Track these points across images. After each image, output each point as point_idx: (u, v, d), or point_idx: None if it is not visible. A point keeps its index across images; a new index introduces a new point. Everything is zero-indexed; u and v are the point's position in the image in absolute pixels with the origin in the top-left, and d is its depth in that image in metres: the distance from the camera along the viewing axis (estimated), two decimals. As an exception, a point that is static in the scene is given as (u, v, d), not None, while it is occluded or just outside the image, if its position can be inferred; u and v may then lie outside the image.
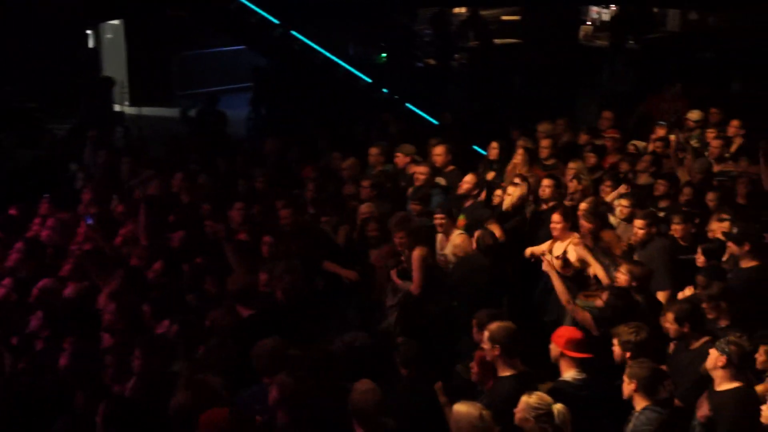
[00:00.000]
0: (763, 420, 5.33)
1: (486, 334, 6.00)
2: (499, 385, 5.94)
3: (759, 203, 9.31)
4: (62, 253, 9.09)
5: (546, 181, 9.28)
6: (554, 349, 6.04)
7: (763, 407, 5.34)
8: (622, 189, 9.32)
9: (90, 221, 9.58)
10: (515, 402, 5.43)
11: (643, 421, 5.56)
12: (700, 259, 7.64)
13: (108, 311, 7.27)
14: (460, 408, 5.37)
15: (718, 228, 8.24)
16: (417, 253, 8.11)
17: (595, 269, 7.83)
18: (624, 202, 8.71)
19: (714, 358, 5.79)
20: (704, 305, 6.66)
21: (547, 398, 5.37)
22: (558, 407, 5.32)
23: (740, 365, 5.76)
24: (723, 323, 6.61)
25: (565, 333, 6.08)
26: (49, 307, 7.49)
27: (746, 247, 7.52)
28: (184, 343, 6.59)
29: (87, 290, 8.14)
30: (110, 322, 7.17)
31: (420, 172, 9.85)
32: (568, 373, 5.95)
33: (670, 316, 6.40)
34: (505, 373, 5.96)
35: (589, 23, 20.36)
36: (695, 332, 6.35)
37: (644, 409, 5.61)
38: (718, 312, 6.62)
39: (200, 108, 15.74)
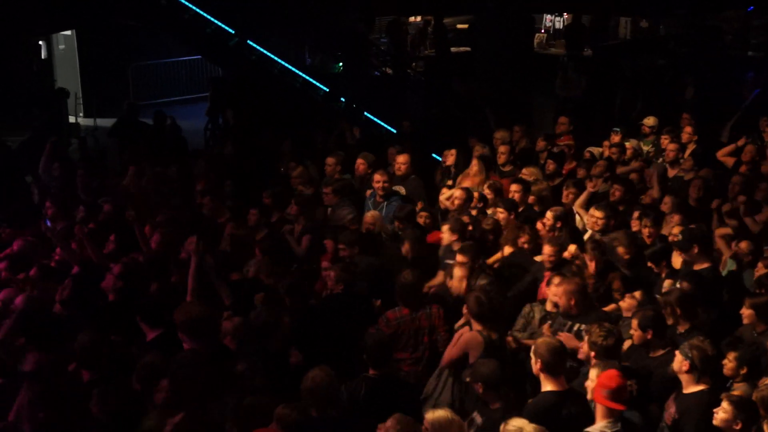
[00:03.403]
0: (715, 422, 5.42)
1: (533, 347, 5.98)
2: (540, 399, 5.85)
3: (709, 206, 9.48)
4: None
5: (514, 186, 9.35)
6: (590, 392, 5.67)
7: (716, 410, 5.42)
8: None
9: (49, 223, 9.46)
10: (552, 416, 5.41)
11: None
12: (648, 264, 7.73)
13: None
14: (438, 414, 5.36)
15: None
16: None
17: None
18: (598, 213, 8.64)
19: (679, 362, 5.89)
20: (664, 311, 6.74)
21: (522, 422, 5.25)
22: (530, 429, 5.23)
23: (703, 369, 5.83)
24: (681, 329, 6.70)
25: (603, 378, 5.57)
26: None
27: (695, 250, 7.65)
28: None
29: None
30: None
31: (379, 180, 9.89)
32: (601, 423, 5.51)
33: (634, 323, 6.46)
34: (547, 387, 5.88)
35: (543, 32, 20.58)
36: (658, 339, 6.41)
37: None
38: (675, 318, 6.70)
39: (119, 118, 15.44)
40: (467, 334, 6.85)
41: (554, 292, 7.13)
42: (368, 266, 8.16)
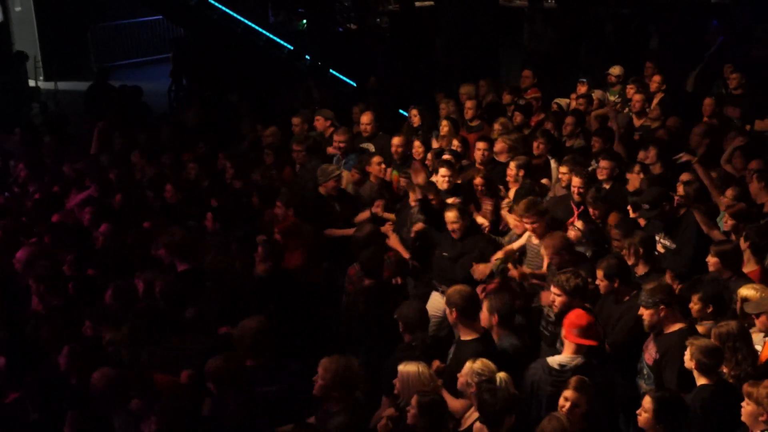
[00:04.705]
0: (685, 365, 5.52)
1: (446, 298, 6.07)
2: (461, 350, 5.94)
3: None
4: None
5: (480, 144, 9.31)
6: (562, 330, 5.90)
7: (686, 352, 5.51)
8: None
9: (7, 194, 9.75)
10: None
11: None
12: (631, 213, 7.80)
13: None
14: (409, 367, 5.46)
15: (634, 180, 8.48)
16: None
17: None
18: (564, 168, 8.66)
19: (650, 313, 5.95)
20: (623, 252, 6.86)
21: (491, 365, 5.38)
22: (501, 375, 5.34)
23: (669, 303, 5.94)
24: (640, 271, 6.82)
25: (572, 316, 5.84)
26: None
27: (666, 208, 7.72)
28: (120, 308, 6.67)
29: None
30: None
31: (340, 140, 9.86)
32: (564, 356, 5.76)
33: (599, 273, 6.54)
34: (467, 337, 5.98)
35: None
36: (625, 286, 6.51)
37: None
38: (636, 259, 6.82)
39: (92, 84, 15.24)
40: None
41: (544, 245, 7.16)
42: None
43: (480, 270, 7.31)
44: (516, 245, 7.76)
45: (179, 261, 7.39)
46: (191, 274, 7.22)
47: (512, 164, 8.74)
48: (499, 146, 9.40)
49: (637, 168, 8.56)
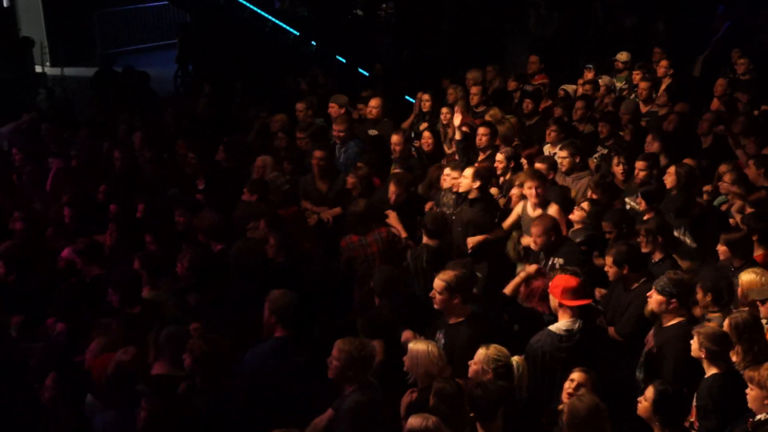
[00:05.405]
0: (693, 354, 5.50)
1: (437, 281, 6.05)
2: (452, 335, 5.95)
3: (687, 140, 9.51)
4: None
5: (482, 129, 9.29)
6: (552, 300, 5.87)
7: (692, 342, 5.50)
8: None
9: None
10: (473, 346, 5.50)
11: None
12: (641, 204, 7.73)
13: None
14: (419, 345, 5.47)
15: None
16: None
17: None
18: (563, 153, 8.61)
19: (657, 300, 5.93)
20: (640, 238, 6.83)
21: (505, 350, 5.38)
22: (516, 359, 5.37)
23: (683, 299, 5.94)
24: (656, 257, 6.81)
25: (560, 282, 5.81)
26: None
27: (696, 211, 7.74)
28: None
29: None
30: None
31: (340, 129, 9.77)
32: (563, 321, 5.76)
33: (608, 259, 6.53)
34: (455, 320, 6.00)
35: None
36: (634, 273, 6.49)
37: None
38: (654, 246, 6.80)
39: (97, 70, 15.28)
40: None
41: (533, 232, 7.11)
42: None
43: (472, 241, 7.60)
44: (510, 220, 7.85)
45: (214, 242, 7.47)
46: (227, 252, 7.26)
47: (500, 156, 8.73)
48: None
49: (615, 160, 8.57)
